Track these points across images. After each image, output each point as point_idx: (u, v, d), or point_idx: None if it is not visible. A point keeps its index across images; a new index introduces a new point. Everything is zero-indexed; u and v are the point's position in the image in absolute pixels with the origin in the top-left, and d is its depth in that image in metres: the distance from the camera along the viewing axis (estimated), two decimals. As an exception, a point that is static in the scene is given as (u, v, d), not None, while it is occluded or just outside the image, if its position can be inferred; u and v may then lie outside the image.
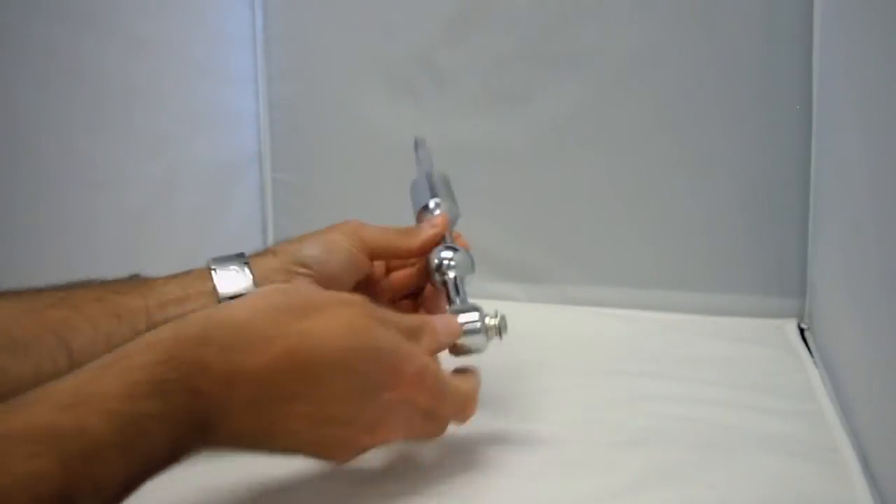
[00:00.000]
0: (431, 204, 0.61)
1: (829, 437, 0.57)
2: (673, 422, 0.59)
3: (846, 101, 0.65)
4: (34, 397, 0.36)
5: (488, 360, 0.52)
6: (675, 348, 0.75)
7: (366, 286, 0.59)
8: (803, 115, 0.77)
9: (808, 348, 0.74)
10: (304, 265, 0.55)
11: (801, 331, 0.79)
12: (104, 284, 0.52)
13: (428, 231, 0.59)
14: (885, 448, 0.50)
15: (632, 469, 0.52)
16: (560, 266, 0.89)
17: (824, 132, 0.74)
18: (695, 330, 0.79)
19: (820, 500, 0.49)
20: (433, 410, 0.47)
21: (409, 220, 0.64)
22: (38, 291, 0.50)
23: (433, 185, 0.63)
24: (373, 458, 0.51)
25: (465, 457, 0.54)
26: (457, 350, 0.52)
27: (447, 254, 0.58)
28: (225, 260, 0.54)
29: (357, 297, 0.46)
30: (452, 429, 0.50)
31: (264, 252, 0.57)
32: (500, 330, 0.53)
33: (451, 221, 0.61)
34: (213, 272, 0.53)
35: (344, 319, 0.43)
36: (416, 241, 0.59)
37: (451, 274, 0.57)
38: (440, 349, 0.50)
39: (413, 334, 0.47)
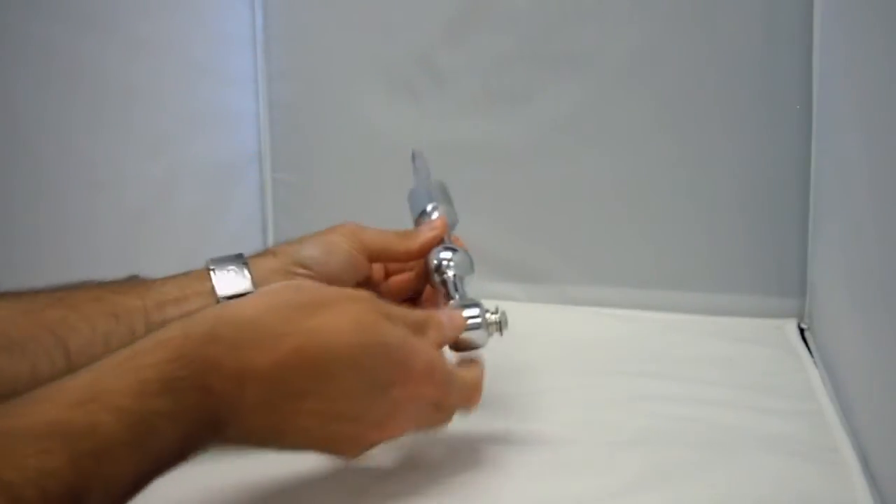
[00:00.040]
0: (429, 208, 0.62)
1: (829, 437, 0.57)
2: (673, 422, 0.59)
3: (846, 101, 0.65)
4: (45, 394, 0.36)
5: (489, 360, 0.52)
6: (675, 348, 0.75)
7: (365, 289, 0.59)
8: (803, 115, 0.77)
9: (808, 348, 0.74)
10: (303, 266, 0.55)
11: (801, 331, 0.79)
12: (102, 285, 0.52)
13: (427, 233, 0.59)
14: (885, 448, 0.50)
15: (632, 469, 0.52)
16: (560, 266, 0.89)
17: (824, 132, 0.74)
18: (695, 330, 0.79)
19: (820, 500, 0.49)
20: (441, 402, 0.48)
21: (409, 220, 0.64)
22: (36, 292, 0.50)
23: (431, 192, 0.63)
24: (373, 458, 0.51)
25: (465, 456, 0.54)
26: (458, 346, 0.52)
27: (446, 254, 0.58)
28: (224, 261, 0.54)
29: (364, 293, 0.47)
30: (453, 429, 0.50)
31: (263, 253, 0.57)
32: (500, 326, 0.53)
33: (450, 225, 0.61)
34: (211, 273, 0.53)
35: (352, 316, 0.44)
36: (414, 243, 0.59)
37: (451, 273, 0.57)
38: (445, 343, 0.51)
39: (419, 328, 0.48)
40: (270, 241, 0.98)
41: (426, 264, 0.59)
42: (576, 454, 0.55)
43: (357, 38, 0.91)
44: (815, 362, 0.70)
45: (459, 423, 0.56)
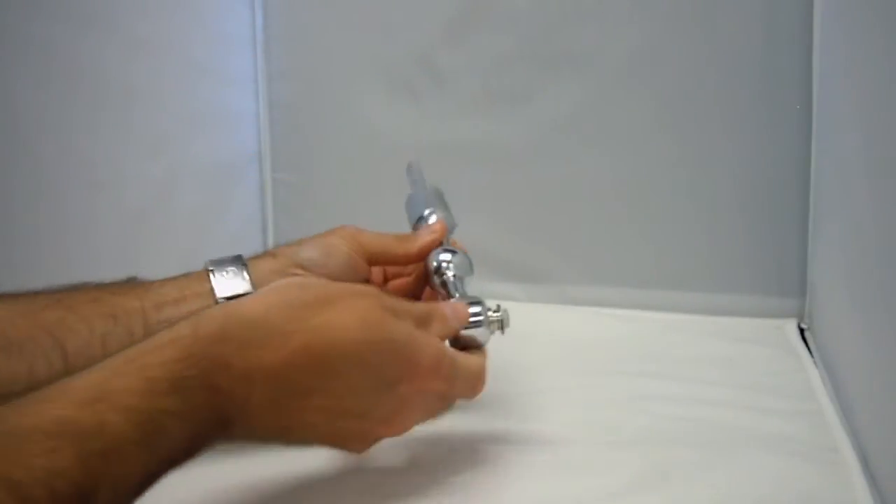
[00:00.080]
0: (427, 213, 0.62)
1: (829, 437, 0.57)
2: (673, 422, 0.59)
3: (846, 101, 0.65)
4: (52, 393, 0.36)
5: (488, 360, 0.52)
6: (675, 348, 0.75)
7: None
8: (803, 115, 0.77)
9: (808, 348, 0.74)
10: (302, 268, 0.55)
11: (801, 331, 0.79)
12: (100, 286, 0.52)
13: (426, 237, 0.60)
14: (885, 448, 0.50)
15: (632, 469, 0.52)
16: (560, 266, 0.89)
17: (824, 132, 0.74)
18: (695, 330, 0.79)
19: (820, 500, 0.49)
20: (447, 394, 0.48)
21: (408, 220, 0.64)
22: (34, 293, 0.50)
23: (428, 198, 0.63)
24: (374, 458, 0.51)
25: (465, 456, 0.54)
26: (459, 343, 0.52)
27: (446, 256, 0.58)
28: (223, 262, 0.54)
29: (370, 289, 0.47)
30: (453, 428, 0.50)
31: (263, 254, 0.57)
32: (502, 324, 0.53)
33: (449, 230, 0.61)
34: (210, 274, 0.54)
35: (358, 313, 0.44)
36: (413, 246, 0.59)
37: (451, 274, 0.57)
38: (450, 335, 0.51)
39: (424, 321, 0.48)
40: (270, 241, 0.98)
41: (426, 266, 0.59)
42: (576, 454, 0.55)
43: (357, 38, 0.91)
44: (815, 362, 0.70)
45: (460, 423, 0.57)
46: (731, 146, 0.81)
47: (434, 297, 0.59)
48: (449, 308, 0.51)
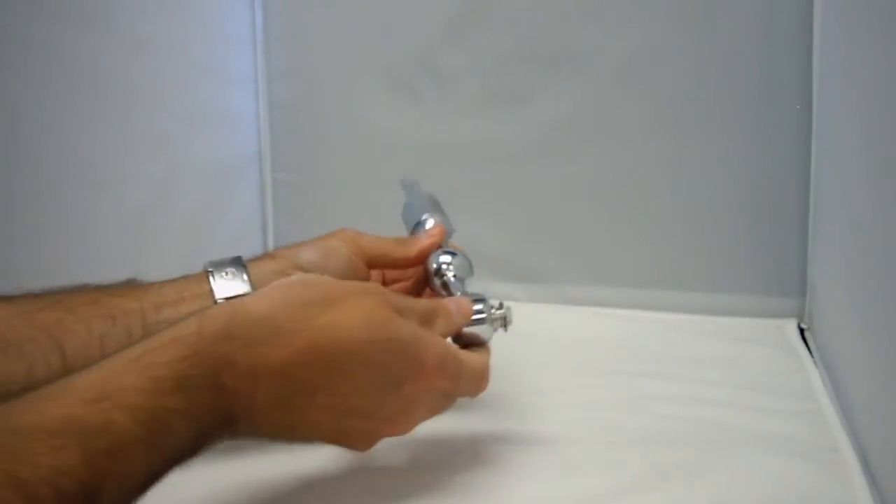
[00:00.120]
0: (424, 218, 0.62)
1: (829, 437, 0.57)
2: (673, 422, 0.59)
3: (846, 101, 0.65)
4: (57, 391, 0.36)
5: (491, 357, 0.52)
6: (675, 348, 0.75)
7: None
8: (803, 115, 0.77)
9: (808, 348, 0.74)
10: (301, 270, 0.55)
11: (801, 331, 0.79)
12: (99, 288, 0.52)
13: (425, 240, 0.60)
14: (885, 448, 0.50)
15: (632, 469, 0.52)
16: (560, 266, 0.89)
17: (824, 132, 0.74)
18: (695, 330, 0.79)
19: (820, 500, 0.49)
20: (451, 392, 0.48)
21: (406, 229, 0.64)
22: (33, 295, 0.50)
23: (424, 204, 0.63)
24: (375, 458, 0.51)
25: (465, 456, 0.54)
26: (462, 340, 0.52)
27: (446, 258, 0.58)
28: (222, 264, 0.54)
29: (375, 286, 0.47)
30: (453, 429, 0.50)
31: (262, 256, 0.57)
32: (505, 320, 0.53)
33: (447, 234, 0.61)
34: (210, 276, 0.54)
35: (363, 312, 0.44)
36: (413, 249, 0.59)
37: (451, 275, 0.57)
38: (454, 330, 0.51)
39: (428, 318, 0.48)
40: (270, 241, 0.98)
41: (426, 269, 0.59)
42: (576, 454, 0.55)
43: (357, 38, 0.91)
44: (815, 362, 0.70)
45: (460, 423, 0.57)
46: (731, 146, 0.81)
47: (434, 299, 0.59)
48: (453, 304, 0.51)
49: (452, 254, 0.58)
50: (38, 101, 0.70)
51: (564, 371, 0.69)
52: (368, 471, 0.52)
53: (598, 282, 0.87)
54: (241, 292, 0.53)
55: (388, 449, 0.49)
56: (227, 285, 0.53)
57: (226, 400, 0.40)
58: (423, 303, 0.50)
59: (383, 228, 0.65)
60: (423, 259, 0.59)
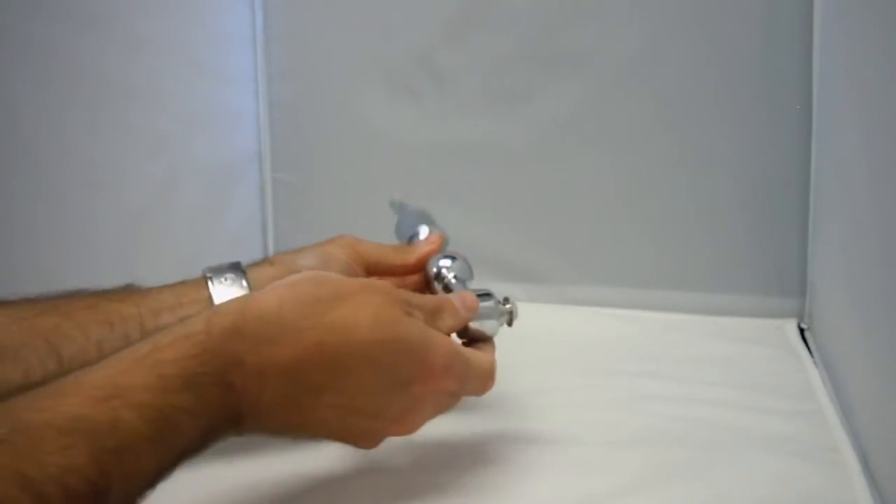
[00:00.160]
0: (419, 229, 0.62)
1: (829, 437, 0.57)
2: (673, 422, 0.59)
3: (846, 101, 0.65)
4: (65, 388, 0.36)
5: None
6: (675, 348, 0.75)
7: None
8: (803, 115, 0.77)
9: (808, 348, 0.74)
10: None
11: (801, 331, 0.79)
12: (97, 293, 0.52)
13: (423, 247, 0.60)
14: (885, 448, 0.50)
15: (632, 469, 0.52)
16: (560, 266, 0.89)
17: (824, 132, 0.74)
18: (695, 330, 0.79)
19: (820, 500, 0.49)
20: (458, 392, 0.48)
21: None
22: (30, 300, 0.50)
23: (418, 217, 0.64)
24: (375, 458, 0.51)
25: (466, 456, 0.54)
26: (468, 335, 0.52)
27: (446, 262, 0.58)
28: (221, 269, 0.54)
29: (382, 283, 0.47)
30: (454, 428, 0.50)
31: (261, 262, 0.57)
32: (511, 316, 0.54)
33: (444, 243, 0.62)
34: (208, 281, 0.54)
35: (371, 310, 0.44)
36: (412, 256, 0.60)
37: (451, 276, 0.57)
38: (460, 326, 0.51)
39: (435, 315, 0.48)
40: (270, 242, 0.98)
41: (426, 274, 0.59)
42: (576, 454, 0.55)
43: (357, 38, 0.91)
44: (815, 362, 0.70)
45: (460, 423, 0.57)
46: (731, 146, 0.81)
47: None
48: (458, 299, 0.51)
49: (452, 257, 0.59)
50: (38, 101, 0.70)
51: (564, 371, 0.69)
52: (370, 470, 0.52)
53: (598, 282, 0.87)
54: None
55: (388, 448, 0.49)
56: (225, 291, 0.53)
57: (234, 398, 0.40)
58: (430, 299, 0.50)
59: (383, 229, 0.65)
60: (422, 266, 0.59)
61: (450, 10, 0.87)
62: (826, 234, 0.74)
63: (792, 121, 0.78)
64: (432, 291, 0.59)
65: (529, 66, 0.85)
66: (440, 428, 0.50)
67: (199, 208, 0.90)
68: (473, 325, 0.52)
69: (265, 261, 0.57)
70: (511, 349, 0.54)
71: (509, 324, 0.54)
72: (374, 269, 0.59)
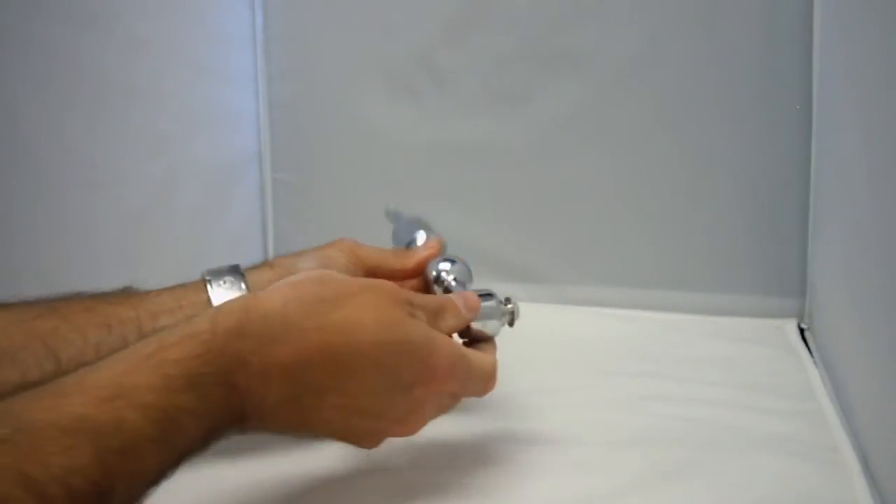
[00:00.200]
0: (417, 235, 0.63)
1: (829, 437, 0.57)
2: (673, 422, 0.59)
3: (846, 101, 0.65)
4: (72, 387, 0.36)
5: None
6: (675, 348, 0.75)
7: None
8: (803, 115, 0.77)
9: (808, 348, 0.74)
10: None
11: (801, 331, 0.79)
12: (95, 296, 0.52)
13: (422, 252, 0.60)
14: (885, 448, 0.50)
15: (632, 469, 0.52)
16: (560, 266, 0.89)
17: (824, 132, 0.74)
18: (695, 330, 0.79)
19: (820, 500, 0.49)
20: (459, 393, 0.49)
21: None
22: (28, 303, 0.50)
23: (414, 225, 0.64)
24: (376, 459, 0.51)
25: (466, 457, 0.54)
26: (469, 333, 0.52)
27: (445, 265, 0.59)
28: (220, 272, 0.55)
29: (385, 284, 0.47)
30: (454, 429, 0.50)
31: (261, 265, 0.57)
32: (513, 315, 0.54)
33: (443, 247, 0.62)
34: (207, 284, 0.54)
35: (374, 312, 0.44)
36: (411, 260, 0.60)
37: (451, 279, 0.57)
38: (463, 325, 0.51)
39: (437, 315, 0.48)
40: (270, 242, 0.98)
41: (425, 278, 0.59)
42: (576, 454, 0.55)
43: (357, 38, 0.91)
44: (815, 362, 0.70)
45: (461, 423, 0.57)
46: (731, 146, 0.81)
47: None
48: (460, 299, 0.51)
49: (451, 261, 0.59)
50: (38, 101, 0.70)
51: (565, 371, 0.69)
52: (372, 470, 0.52)
53: (598, 282, 0.87)
54: None
55: (390, 448, 0.49)
56: (224, 294, 0.53)
57: (237, 398, 0.40)
58: (433, 299, 0.50)
59: (383, 229, 0.66)
60: (420, 270, 0.60)
61: (450, 10, 0.87)
62: (826, 234, 0.74)
63: (792, 121, 0.78)
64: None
65: (529, 66, 0.85)
66: (441, 428, 0.50)
67: (199, 208, 0.90)
68: (475, 325, 0.52)
69: (265, 264, 0.57)
70: (511, 349, 0.54)
71: (511, 324, 0.54)
72: (373, 274, 0.59)
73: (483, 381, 0.49)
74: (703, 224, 0.83)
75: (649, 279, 0.86)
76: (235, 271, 0.55)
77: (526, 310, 0.55)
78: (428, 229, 0.64)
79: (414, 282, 0.61)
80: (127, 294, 0.53)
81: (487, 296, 0.53)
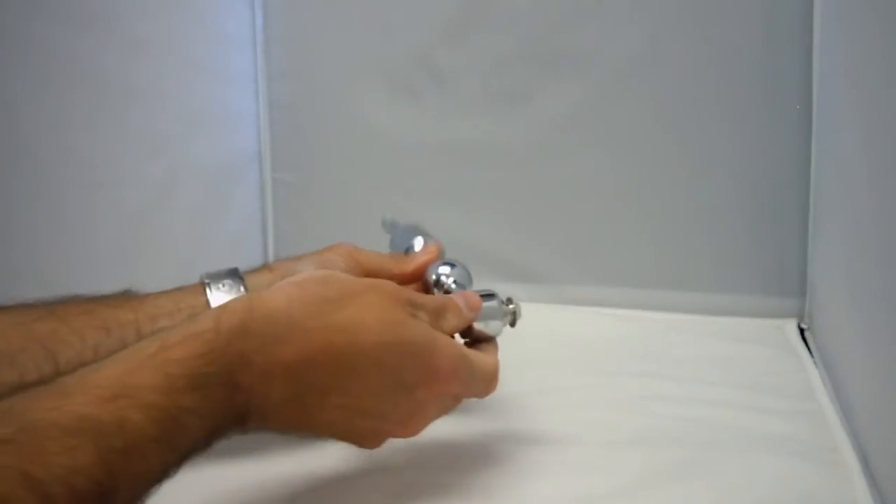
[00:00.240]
0: (415, 241, 0.63)
1: (829, 437, 0.57)
2: (673, 422, 0.59)
3: (846, 101, 0.65)
4: (72, 387, 0.36)
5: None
6: (675, 348, 0.75)
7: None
8: (803, 115, 0.77)
9: (808, 348, 0.74)
10: None
11: (801, 331, 0.79)
12: (94, 298, 0.52)
13: (421, 257, 0.60)
14: (885, 448, 0.50)
15: (632, 469, 0.52)
16: (560, 266, 0.89)
17: (824, 132, 0.74)
18: (695, 330, 0.79)
19: (820, 500, 0.49)
20: (462, 394, 0.49)
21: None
22: (27, 305, 0.50)
23: (412, 232, 0.64)
24: (376, 459, 0.51)
25: (466, 456, 0.54)
26: (471, 334, 0.52)
27: (445, 268, 0.59)
28: (219, 275, 0.54)
29: (388, 284, 0.47)
30: (454, 429, 0.50)
31: (260, 268, 0.57)
32: (514, 316, 0.54)
33: (441, 252, 0.62)
34: (206, 287, 0.54)
35: (377, 312, 0.44)
36: (410, 265, 0.60)
37: (451, 281, 0.57)
38: (465, 325, 0.51)
39: (439, 315, 0.48)
40: (270, 241, 0.98)
41: (425, 283, 0.59)
42: (576, 454, 0.55)
43: (357, 38, 0.91)
44: (815, 362, 0.70)
45: (460, 424, 0.57)
46: (731, 146, 0.81)
47: None
48: (462, 299, 0.51)
49: (451, 264, 0.59)
50: (38, 101, 0.70)
51: (565, 371, 0.69)
52: (373, 470, 0.52)
53: (598, 282, 0.87)
54: None
55: (392, 449, 0.49)
56: (223, 297, 0.53)
57: (240, 398, 0.40)
58: (434, 299, 0.50)
59: (382, 230, 0.65)
60: (420, 275, 0.60)
61: (450, 10, 0.87)
62: (826, 234, 0.74)
63: (792, 121, 0.78)
64: None
65: (529, 66, 0.85)
66: (442, 428, 0.50)
67: (199, 208, 0.90)
68: (477, 325, 0.52)
69: (264, 267, 0.57)
70: (512, 349, 0.54)
71: (512, 324, 0.54)
72: (372, 277, 0.59)
73: (485, 382, 0.49)
74: (703, 224, 0.84)
75: (649, 279, 0.86)
76: (234, 274, 0.55)
77: (526, 310, 0.55)
78: (425, 235, 0.64)
79: (413, 287, 0.61)
80: (126, 297, 0.53)
81: (489, 296, 0.53)
